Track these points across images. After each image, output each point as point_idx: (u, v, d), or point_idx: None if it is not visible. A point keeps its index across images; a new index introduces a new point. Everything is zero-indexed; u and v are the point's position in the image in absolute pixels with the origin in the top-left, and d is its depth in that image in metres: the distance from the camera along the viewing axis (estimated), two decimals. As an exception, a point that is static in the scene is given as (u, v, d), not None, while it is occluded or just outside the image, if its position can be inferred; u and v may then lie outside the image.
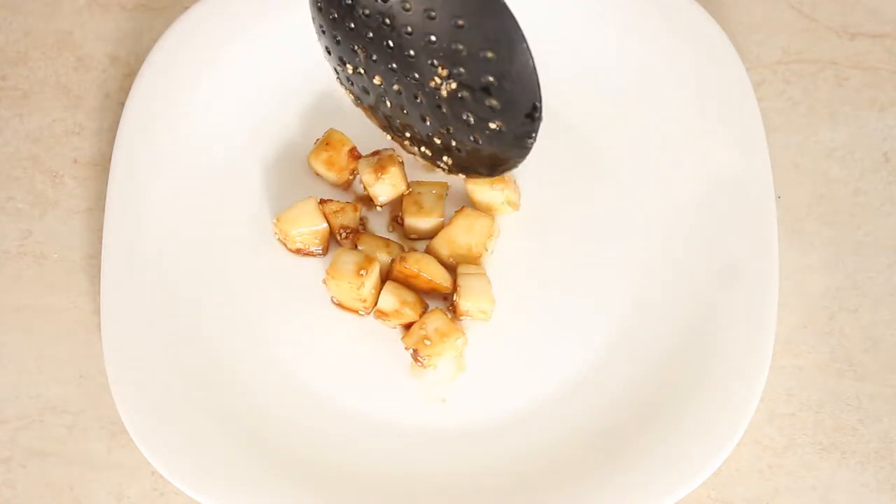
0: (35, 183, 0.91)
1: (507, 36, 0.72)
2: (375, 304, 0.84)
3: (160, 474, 0.80)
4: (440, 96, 0.78)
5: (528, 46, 0.72)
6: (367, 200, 0.89)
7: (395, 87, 0.80)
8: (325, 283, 0.84)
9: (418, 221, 0.86)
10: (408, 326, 0.84)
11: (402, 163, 0.87)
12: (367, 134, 0.89)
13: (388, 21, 0.76)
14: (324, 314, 0.86)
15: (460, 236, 0.85)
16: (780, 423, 0.84)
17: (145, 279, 0.84)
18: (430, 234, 0.87)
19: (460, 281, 0.84)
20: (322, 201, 0.86)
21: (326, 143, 0.88)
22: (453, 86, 0.76)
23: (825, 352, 0.86)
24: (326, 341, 0.85)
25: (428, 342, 0.82)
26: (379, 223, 0.89)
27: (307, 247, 0.87)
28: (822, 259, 0.88)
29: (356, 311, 0.85)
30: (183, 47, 0.90)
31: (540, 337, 0.85)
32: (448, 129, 0.80)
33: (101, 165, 0.91)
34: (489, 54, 0.73)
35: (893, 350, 0.86)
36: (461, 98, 0.77)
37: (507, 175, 0.85)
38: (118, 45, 0.95)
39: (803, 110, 0.93)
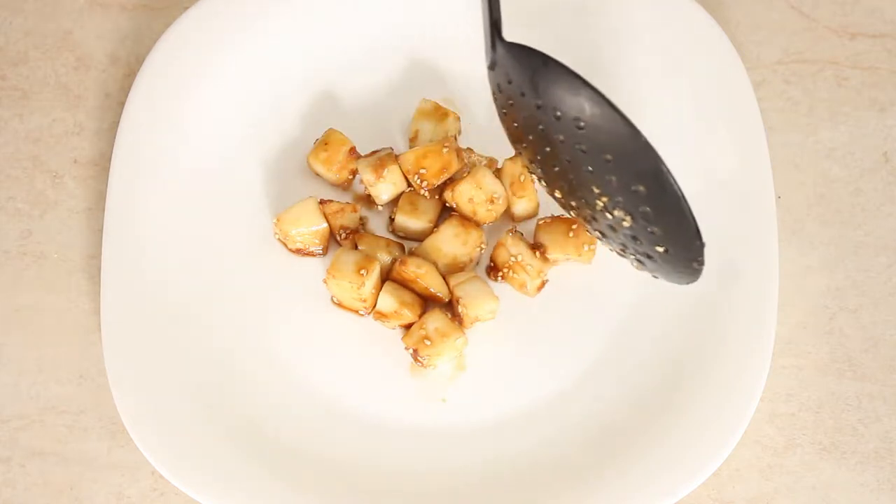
0: (35, 183, 0.91)
1: (653, 171, 0.73)
2: (376, 304, 0.84)
3: (160, 474, 0.80)
4: (607, 220, 0.78)
5: (675, 181, 0.73)
6: (367, 200, 0.89)
7: (573, 202, 0.81)
8: (325, 282, 0.84)
9: (408, 221, 0.86)
10: (408, 326, 0.84)
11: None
12: (367, 134, 0.89)
13: (552, 147, 0.77)
14: (324, 314, 0.86)
15: (445, 245, 0.85)
16: (780, 423, 0.84)
17: (145, 279, 0.84)
18: (419, 237, 0.87)
19: (458, 292, 0.83)
20: (322, 201, 0.86)
21: (326, 143, 0.88)
22: (616, 212, 0.77)
23: (825, 352, 0.86)
24: (326, 341, 0.85)
25: (428, 342, 0.82)
26: (379, 223, 0.89)
27: (307, 247, 0.87)
28: (822, 259, 0.88)
29: (356, 311, 0.85)
30: (183, 47, 0.90)
31: (540, 337, 0.85)
32: (624, 247, 0.80)
33: (101, 165, 0.91)
34: (640, 188, 0.74)
35: (893, 350, 0.86)
36: (625, 223, 0.77)
37: (528, 182, 0.86)
38: (118, 45, 0.95)
39: (803, 110, 0.93)
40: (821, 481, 0.82)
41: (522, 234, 0.85)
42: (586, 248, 0.85)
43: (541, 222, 0.86)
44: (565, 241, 0.85)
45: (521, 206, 0.87)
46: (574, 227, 0.85)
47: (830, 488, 0.82)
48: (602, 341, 0.85)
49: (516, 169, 0.86)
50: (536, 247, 0.85)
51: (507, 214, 0.88)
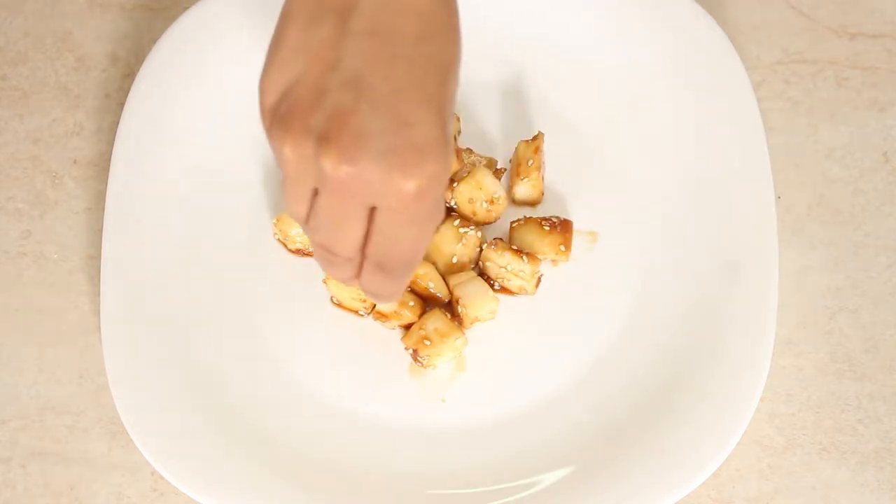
0: (35, 183, 0.91)
1: None
2: (375, 304, 0.84)
3: (160, 474, 0.80)
4: None
5: None
6: (367, 200, 0.89)
7: None
8: (325, 283, 0.84)
9: None
10: (407, 327, 0.84)
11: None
12: (367, 134, 0.89)
13: None
14: (324, 314, 0.86)
15: (445, 245, 0.85)
16: (780, 423, 0.84)
17: (145, 279, 0.84)
18: None
19: (457, 292, 0.83)
20: (322, 201, 0.86)
21: (326, 143, 0.88)
22: None
23: (825, 352, 0.86)
24: (326, 341, 0.85)
25: (428, 342, 0.82)
26: (379, 223, 0.89)
27: (307, 247, 0.87)
28: (822, 259, 0.88)
29: (356, 312, 0.85)
30: (183, 47, 0.90)
31: (540, 337, 0.85)
32: None
33: (101, 165, 0.91)
34: None
35: (893, 350, 0.86)
36: None
37: (535, 167, 0.86)
38: (118, 45, 0.95)
39: (803, 110, 0.93)
40: (821, 481, 0.82)
41: (503, 240, 0.85)
42: (562, 247, 0.85)
43: (514, 224, 0.86)
44: (540, 242, 0.85)
45: (521, 190, 0.87)
46: (546, 226, 0.85)
47: (830, 488, 0.82)
48: (601, 341, 0.85)
49: (528, 152, 0.86)
50: (520, 250, 0.84)
51: (509, 196, 0.88)
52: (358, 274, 0.68)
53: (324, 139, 0.60)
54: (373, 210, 0.63)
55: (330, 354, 0.85)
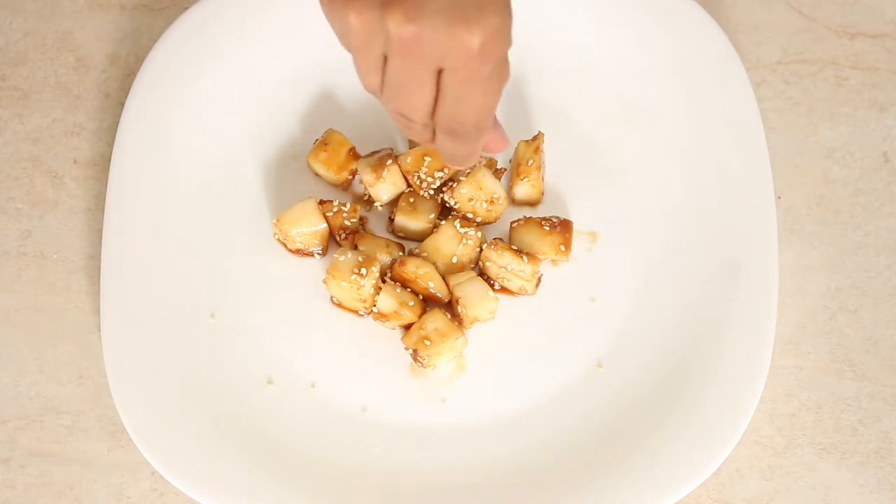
0: (35, 183, 0.91)
1: None
2: (375, 304, 0.84)
3: (160, 474, 0.80)
4: None
5: None
6: (367, 200, 0.89)
7: None
8: (325, 283, 0.84)
9: (408, 222, 0.86)
10: (407, 327, 0.84)
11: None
12: (366, 134, 0.89)
13: None
14: (324, 314, 0.86)
15: (445, 245, 0.85)
16: (780, 423, 0.84)
17: (145, 279, 0.84)
18: (419, 237, 0.87)
19: (457, 292, 0.83)
20: (322, 202, 0.86)
21: (325, 144, 0.88)
22: None
23: (825, 352, 0.86)
24: (326, 341, 0.85)
25: (428, 342, 0.82)
26: (379, 223, 0.89)
27: (307, 247, 0.87)
28: (822, 259, 0.88)
29: (356, 312, 0.85)
30: (183, 47, 0.90)
31: (540, 337, 0.85)
32: None
33: (101, 165, 0.91)
34: None
35: (893, 350, 0.86)
36: None
37: (535, 167, 0.86)
38: (118, 45, 0.95)
39: (803, 110, 0.93)
40: (821, 481, 0.82)
41: (503, 240, 0.85)
42: (562, 247, 0.85)
43: (514, 224, 0.86)
44: (540, 242, 0.85)
45: (521, 190, 0.87)
46: (546, 226, 0.85)
47: (830, 488, 0.82)
48: (601, 341, 0.85)
49: (528, 153, 0.86)
50: (520, 250, 0.84)
51: (509, 196, 0.88)
52: (433, 138, 0.70)
53: (387, 2, 0.62)
54: (440, 73, 0.65)
55: (330, 354, 0.85)
